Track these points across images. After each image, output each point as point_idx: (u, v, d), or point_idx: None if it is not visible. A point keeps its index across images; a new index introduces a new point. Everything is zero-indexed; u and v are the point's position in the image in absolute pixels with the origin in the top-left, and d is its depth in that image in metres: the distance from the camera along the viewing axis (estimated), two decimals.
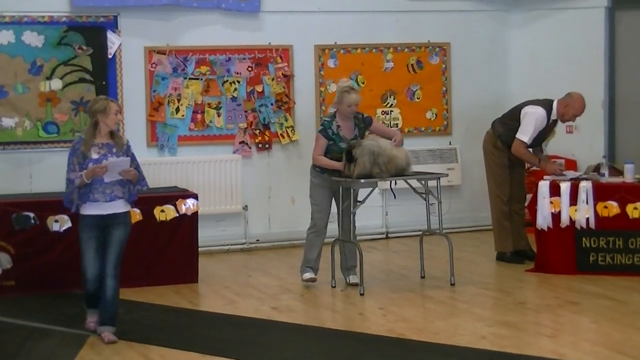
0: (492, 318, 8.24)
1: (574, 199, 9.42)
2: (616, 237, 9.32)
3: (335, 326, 8.01)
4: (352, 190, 9.05)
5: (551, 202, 9.49)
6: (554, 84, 11.43)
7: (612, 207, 9.33)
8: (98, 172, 7.47)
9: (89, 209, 7.58)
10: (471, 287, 9.15)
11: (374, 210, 11.43)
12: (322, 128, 9.07)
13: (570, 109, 9.90)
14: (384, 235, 11.77)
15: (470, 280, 9.37)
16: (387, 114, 11.78)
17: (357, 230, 9.43)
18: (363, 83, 11.65)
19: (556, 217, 9.47)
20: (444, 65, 12.01)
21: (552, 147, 10.95)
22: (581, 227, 9.40)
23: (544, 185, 9.57)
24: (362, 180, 8.78)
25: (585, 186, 9.41)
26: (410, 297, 8.87)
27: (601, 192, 9.37)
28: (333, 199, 9.16)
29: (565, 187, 9.46)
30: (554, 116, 9.94)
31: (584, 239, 9.42)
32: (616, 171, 9.85)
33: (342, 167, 8.84)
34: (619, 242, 9.32)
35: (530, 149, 10.00)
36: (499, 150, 10.10)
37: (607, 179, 9.57)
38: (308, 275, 9.20)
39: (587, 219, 9.37)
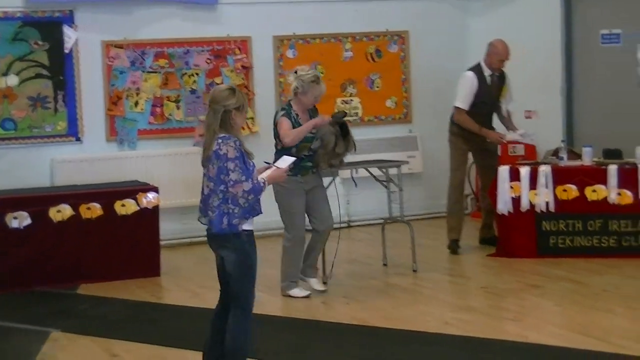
0: (455, 303, 8.29)
1: (533, 183, 9.49)
2: (575, 219, 9.40)
3: (300, 315, 8.02)
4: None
5: (511, 187, 9.56)
6: (513, 71, 11.47)
7: (571, 190, 9.40)
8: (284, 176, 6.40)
9: (250, 224, 6.07)
10: (434, 273, 9.19)
11: (336, 199, 11.40)
12: (284, 112, 8.39)
13: (493, 56, 9.92)
14: (346, 225, 11.79)
15: (432, 267, 9.41)
16: (347, 103, 11.80)
17: None
18: (322, 73, 11.61)
19: (516, 201, 9.54)
20: (403, 54, 12.04)
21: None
22: (541, 210, 9.47)
23: (503, 170, 9.63)
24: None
25: (544, 170, 9.48)
26: (373, 285, 8.90)
27: (560, 176, 9.45)
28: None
29: (525, 171, 9.52)
30: (486, 72, 9.92)
31: (544, 222, 9.50)
32: (575, 155, 9.93)
33: (314, 122, 8.30)
34: (579, 224, 9.41)
35: (493, 115, 10.09)
36: (455, 135, 10.08)
37: (565, 162, 9.65)
38: (300, 292, 8.57)
39: (547, 203, 9.45)
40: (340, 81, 11.77)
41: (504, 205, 9.61)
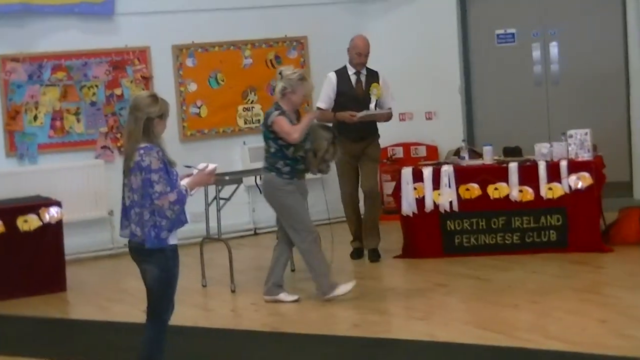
0: (364, 305, 8.34)
1: (436, 184, 9.59)
2: (479, 218, 9.53)
3: (208, 324, 7.99)
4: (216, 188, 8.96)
5: (415, 188, 9.65)
6: (413, 72, 11.66)
7: (474, 189, 9.53)
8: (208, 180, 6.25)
9: (175, 237, 5.97)
10: (342, 276, 9.19)
11: (241, 207, 11.42)
12: (280, 112, 8.18)
13: (351, 51, 9.77)
14: (253, 232, 11.78)
15: (341, 270, 9.43)
16: (249, 110, 11.79)
17: (225, 228, 9.42)
18: (223, 81, 11.63)
19: (420, 202, 9.63)
20: (302, 59, 12.08)
21: (412, 134, 11.18)
22: (445, 210, 9.58)
23: (407, 172, 9.72)
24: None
25: (446, 170, 9.60)
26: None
27: (462, 175, 9.57)
28: None
29: (427, 172, 9.62)
30: (350, 71, 9.73)
31: (448, 222, 9.61)
32: (476, 154, 10.07)
33: (313, 114, 8.48)
34: (482, 222, 9.54)
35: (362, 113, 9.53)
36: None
37: (467, 162, 9.78)
38: (346, 286, 8.33)
39: (451, 202, 9.56)
40: (242, 88, 11.76)
41: (408, 206, 9.70)
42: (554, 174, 9.37)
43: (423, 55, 11.86)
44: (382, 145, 10.98)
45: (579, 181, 9.31)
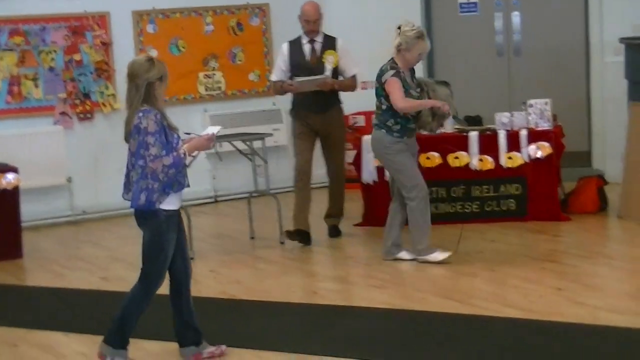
0: (322, 273, 8.35)
1: None
2: (439, 187, 9.53)
3: (166, 292, 7.91)
4: None
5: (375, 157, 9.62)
6: (375, 40, 11.57)
7: (435, 158, 9.53)
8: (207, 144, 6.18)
9: (173, 203, 5.98)
10: (302, 245, 9.19)
11: (202, 174, 11.33)
12: (395, 72, 8.01)
13: (301, 18, 9.36)
14: (213, 200, 11.72)
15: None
16: (210, 77, 11.71)
17: (185, 195, 9.30)
18: (184, 48, 11.53)
19: (381, 171, 9.60)
20: (264, 27, 12.00)
21: (374, 103, 11.13)
22: None
23: (367, 140, 9.67)
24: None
25: None
26: (241, 258, 8.88)
27: (423, 144, 9.49)
28: None
29: None
30: (304, 39, 9.31)
31: None
32: None
33: (434, 103, 8.14)
34: (442, 191, 9.56)
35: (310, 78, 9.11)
36: (293, 118, 9.49)
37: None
38: (443, 254, 8.19)
39: None
40: (203, 56, 11.66)
41: (368, 175, 9.69)
42: (514, 143, 9.39)
43: (385, 24, 11.78)
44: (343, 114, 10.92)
45: (539, 150, 9.33)
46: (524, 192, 9.43)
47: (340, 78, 9.33)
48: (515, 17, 11.62)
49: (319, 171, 9.82)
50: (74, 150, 10.97)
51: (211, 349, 6.24)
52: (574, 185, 9.81)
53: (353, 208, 10.03)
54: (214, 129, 6.17)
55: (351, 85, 9.40)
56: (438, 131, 9.02)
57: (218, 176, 11.64)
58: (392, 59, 8.16)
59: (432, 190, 9.48)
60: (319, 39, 9.31)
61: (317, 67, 9.19)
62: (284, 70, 9.28)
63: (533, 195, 9.40)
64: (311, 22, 9.24)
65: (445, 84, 8.57)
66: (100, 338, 6.12)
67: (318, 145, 9.38)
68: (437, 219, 9.48)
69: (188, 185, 6.00)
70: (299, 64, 9.23)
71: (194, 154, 6.04)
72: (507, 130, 9.45)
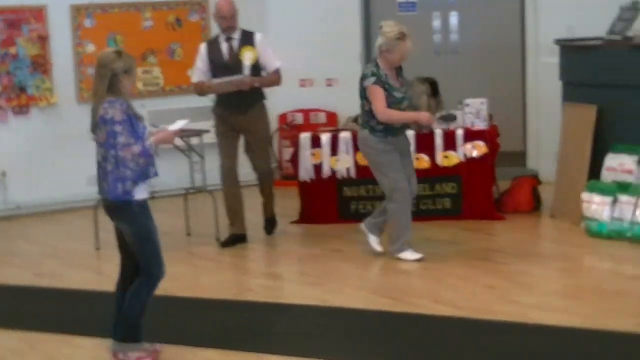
0: (258, 270, 8.36)
1: (334, 150, 9.62)
2: (375, 185, 9.44)
3: (100, 288, 7.89)
4: None
5: (312, 154, 9.66)
6: (314, 38, 11.63)
7: None
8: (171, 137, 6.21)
9: (143, 192, 6.03)
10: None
11: None
12: (375, 78, 7.91)
13: (215, 16, 9.06)
14: (150, 196, 11.62)
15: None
16: (148, 73, 11.65)
17: None
18: (122, 43, 11.45)
19: (318, 168, 9.64)
20: (203, 23, 11.95)
21: (312, 100, 11.14)
22: (342, 177, 9.62)
23: (305, 138, 9.72)
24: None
25: (345, 137, 9.62)
26: (176, 255, 8.80)
27: None
28: None
29: (325, 138, 9.64)
30: (221, 37, 8.98)
31: (345, 188, 9.65)
32: None
33: (416, 117, 8.11)
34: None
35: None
36: (215, 116, 9.25)
37: None
38: (414, 254, 8.16)
39: (348, 169, 9.59)
40: (141, 51, 11.57)
41: (305, 172, 9.71)
42: (449, 142, 9.47)
43: (324, 22, 11.84)
44: (281, 111, 10.98)
45: (474, 150, 9.42)
46: (459, 191, 9.51)
47: (263, 73, 9.07)
48: (453, 17, 11.73)
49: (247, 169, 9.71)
50: (8, 144, 10.85)
51: (146, 345, 6.22)
52: (508, 185, 9.90)
53: (289, 205, 10.04)
54: (181, 123, 6.21)
55: (274, 80, 9.09)
56: None
57: None
58: (375, 60, 8.08)
59: (369, 188, 9.56)
60: (236, 35, 8.98)
61: (235, 65, 8.88)
62: (203, 71, 9.00)
63: (468, 194, 9.49)
64: (227, 18, 8.92)
65: (424, 81, 8.53)
66: (31, 334, 6.07)
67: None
68: None
69: (156, 174, 5.99)
70: (217, 64, 8.94)
71: (158, 147, 6.07)
72: (443, 129, 9.52)
